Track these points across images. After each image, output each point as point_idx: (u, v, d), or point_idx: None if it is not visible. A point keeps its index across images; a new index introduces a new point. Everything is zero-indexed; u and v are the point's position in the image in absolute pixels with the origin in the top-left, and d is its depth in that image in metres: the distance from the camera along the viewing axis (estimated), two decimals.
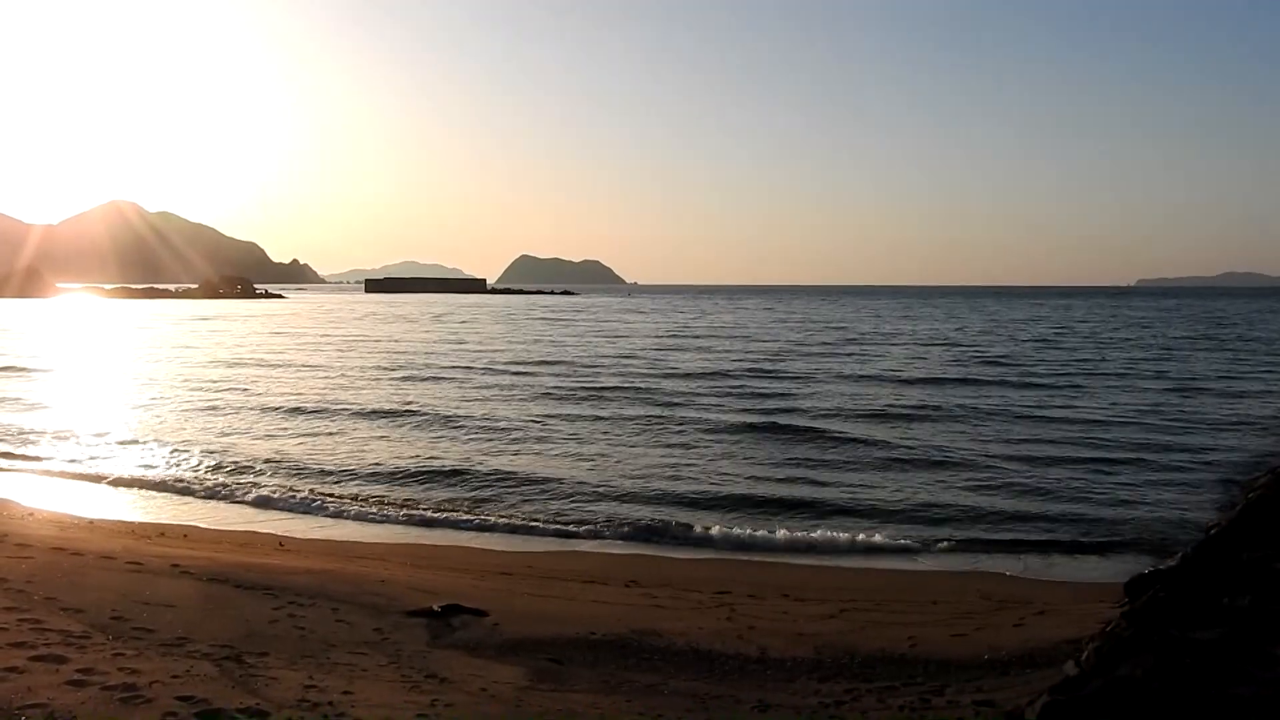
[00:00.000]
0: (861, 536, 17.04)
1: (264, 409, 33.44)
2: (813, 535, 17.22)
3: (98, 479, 22.14)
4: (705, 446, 25.98)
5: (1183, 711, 2.47)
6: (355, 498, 20.39)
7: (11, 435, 27.58)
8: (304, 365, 50.83)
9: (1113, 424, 29.61)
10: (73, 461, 24.13)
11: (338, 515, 18.97)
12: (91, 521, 17.11)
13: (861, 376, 42.95)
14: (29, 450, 25.56)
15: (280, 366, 50.04)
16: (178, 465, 23.58)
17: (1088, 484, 21.08)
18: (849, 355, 57.18)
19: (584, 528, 17.94)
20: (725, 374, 44.71)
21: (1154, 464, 23.20)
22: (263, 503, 19.94)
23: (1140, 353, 59.34)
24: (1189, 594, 2.92)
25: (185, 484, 21.63)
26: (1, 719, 6.41)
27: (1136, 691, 2.58)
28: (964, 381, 41.98)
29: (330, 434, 28.30)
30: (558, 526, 18.12)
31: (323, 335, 79.18)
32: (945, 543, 16.82)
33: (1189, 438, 27.26)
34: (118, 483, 21.75)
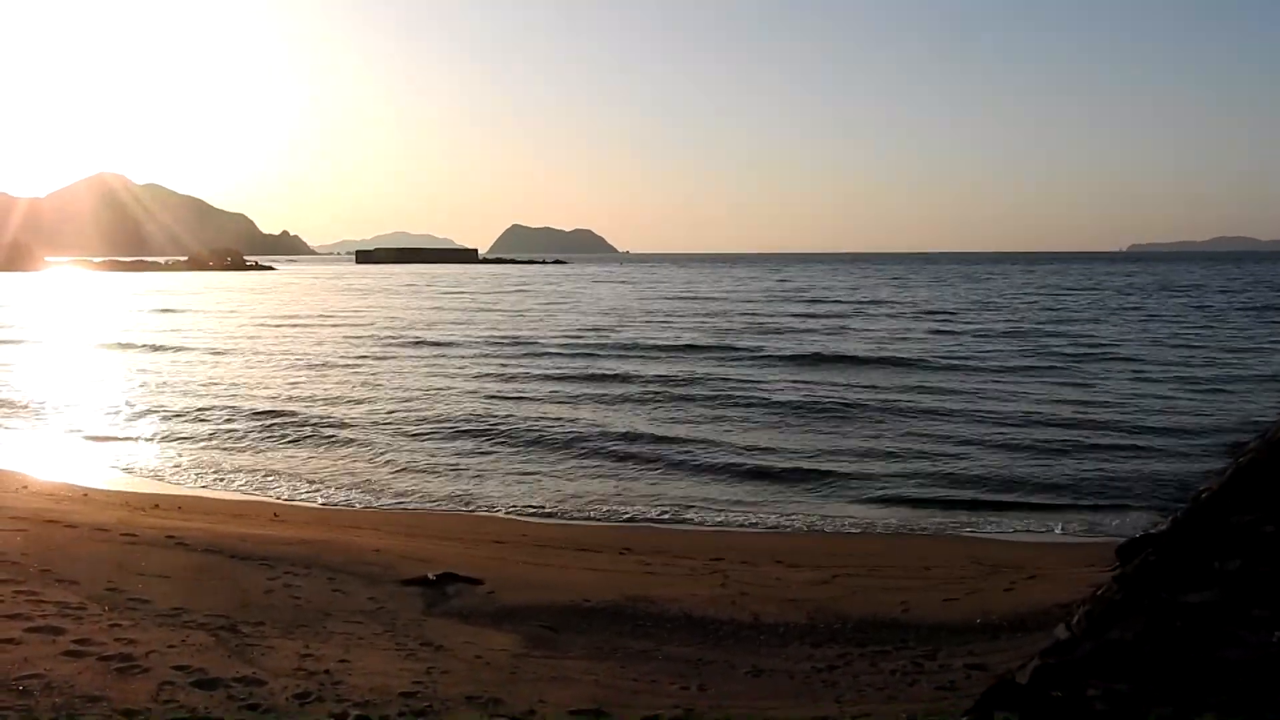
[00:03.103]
0: (856, 505, 17.14)
1: (254, 381, 33.39)
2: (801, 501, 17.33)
3: (88, 450, 22.14)
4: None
5: (1173, 674, 2.49)
6: (348, 470, 20.42)
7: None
8: (296, 337, 50.72)
9: (1107, 392, 29.67)
10: (62, 433, 24.08)
11: (332, 486, 18.98)
12: (85, 493, 17.10)
13: (853, 357, 42.76)
14: (18, 421, 25.50)
15: (275, 334, 49.94)
16: (167, 438, 23.55)
17: (1080, 450, 21.15)
18: (832, 331, 57.07)
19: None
20: (691, 349, 42.94)
21: (1146, 429, 23.28)
22: (257, 474, 19.94)
23: (1139, 319, 59.33)
24: (1180, 558, 2.94)
25: (176, 457, 21.63)
26: None
27: (1127, 654, 2.60)
28: (955, 352, 42.05)
29: (317, 405, 28.30)
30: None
31: (312, 311, 78.90)
32: (936, 508, 16.93)
33: (1182, 402, 27.39)
34: (108, 454, 21.73)
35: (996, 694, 2.61)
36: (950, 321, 58.07)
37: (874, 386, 30.53)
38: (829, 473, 19.39)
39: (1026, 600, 10.65)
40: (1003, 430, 23.41)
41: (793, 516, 16.62)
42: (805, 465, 20.03)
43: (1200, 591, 2.78)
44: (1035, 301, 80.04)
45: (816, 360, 37.94)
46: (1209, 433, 22.85)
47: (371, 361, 39.43)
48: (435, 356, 41.16)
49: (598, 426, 24.25)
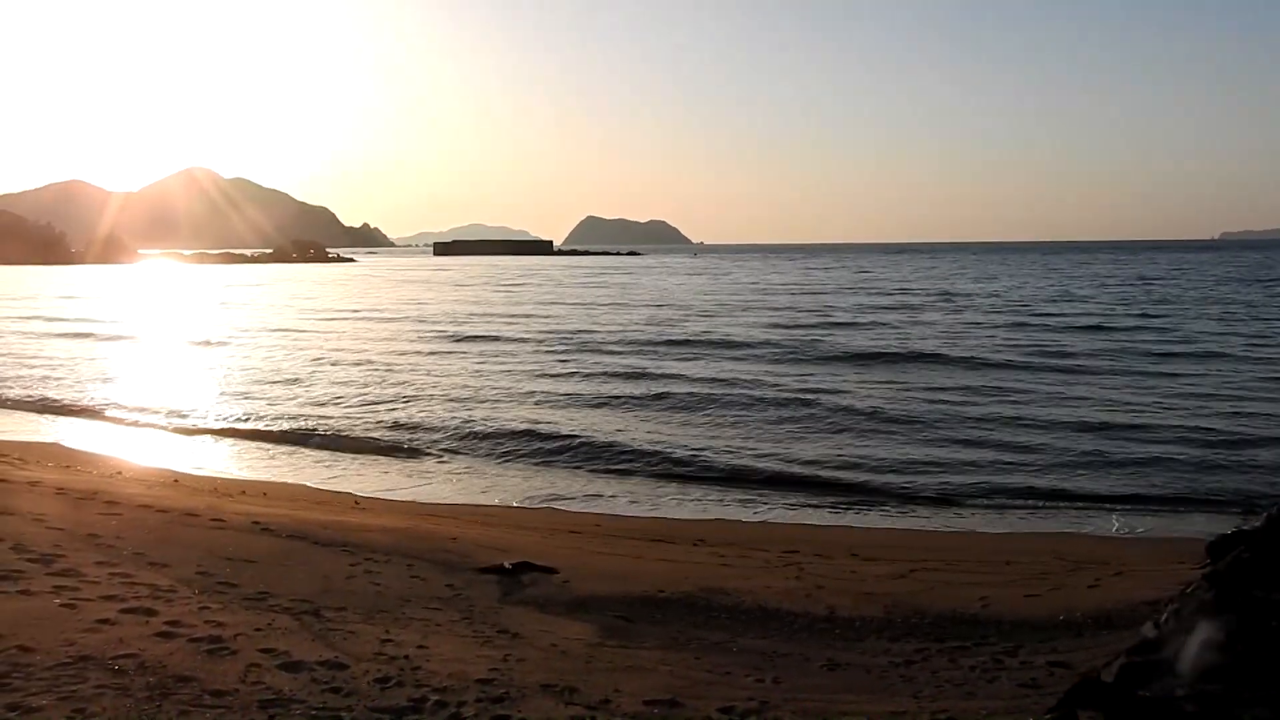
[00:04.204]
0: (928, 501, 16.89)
1: (335, 374, 34.17)
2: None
3: (178, 438, 22.95)
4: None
5: (1266, 674, 2.41)
6: (424, 462, 20.83)
7: (94, 394, 28.60)
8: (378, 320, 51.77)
9: (1198, 392, 28.57)
10: (155, 421, 24.97)
11: (406, 475, 19.37)
12: (176, 479, 17.69)
13: (927, 355, 41.93)
14: (114, 410, 26.50)
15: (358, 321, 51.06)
16: (253, 431, 24.26)
17: (1169, 446, 20.52)
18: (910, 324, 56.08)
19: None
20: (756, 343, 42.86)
21: (1237, 427, 22.42)
22: (336, 464, 20.45)
23: (1232, 312, 57.13)
24: (1274, 555, 2.84)
25: (259, 445, 22.29)
26: (95, 668, 6.69)
27: (1218, 654, 2.52)
28: (1038, 348, 41.07)
29: (402, 400, 28.82)
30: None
31: (389, 303, 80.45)
32: (1017, 507, 16.57)
33: (1274, 400, 26.34)
34: (196, 443, 22.47)
35: (1081, 692, 2.55)
36: (1033, 315, 56.51)
37: (953, 386, 29.86)
38: (904, 477, 18.88)
39: (1112, 597, 10.36)
40: (1087, 430, 22.66)
41: (865, 512, 16.44)
42: (881, 471, 19.46)
43: None
44: (1122, 293, 77.60)
45: (893, 359, 37.04)
46: None
47: (447, 356, 39.93)
48: (506, 353, 41.45)
49: (666, 427, 24.21)
